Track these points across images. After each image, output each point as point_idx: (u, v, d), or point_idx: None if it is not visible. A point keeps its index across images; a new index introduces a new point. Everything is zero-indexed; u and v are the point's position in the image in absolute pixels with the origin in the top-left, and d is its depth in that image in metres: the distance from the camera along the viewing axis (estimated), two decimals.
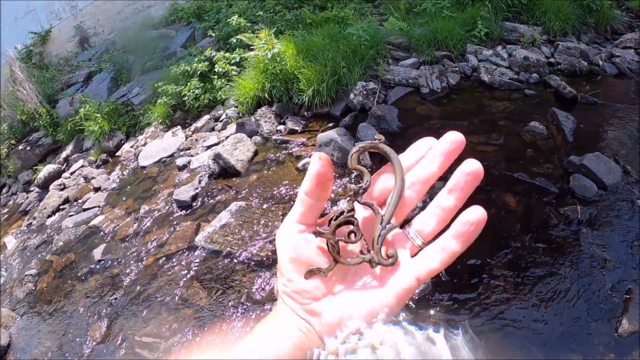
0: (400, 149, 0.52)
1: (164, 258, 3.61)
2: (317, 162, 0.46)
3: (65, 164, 6.51)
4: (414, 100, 4.39)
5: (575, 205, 3.03)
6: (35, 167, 6.87)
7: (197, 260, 3.41)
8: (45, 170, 6.35)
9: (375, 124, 3.99)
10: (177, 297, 3.19)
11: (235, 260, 3.24)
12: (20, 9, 9.08)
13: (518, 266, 2.69)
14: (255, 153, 4.28)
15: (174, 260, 3.54)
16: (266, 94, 4.71)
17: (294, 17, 5.57)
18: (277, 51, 4.36)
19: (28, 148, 7.20)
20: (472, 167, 0.45)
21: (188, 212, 3.97)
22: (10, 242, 5.42)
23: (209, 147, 4.68)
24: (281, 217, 3.44)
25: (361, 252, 0.48)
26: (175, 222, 3.92)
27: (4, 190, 7.32)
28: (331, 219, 0.47)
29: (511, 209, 3.14)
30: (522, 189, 3.26)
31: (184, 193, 4.02)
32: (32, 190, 6.57)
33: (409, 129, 4.06)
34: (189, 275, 3.32)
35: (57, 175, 6.28)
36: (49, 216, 5.42)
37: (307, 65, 4.38)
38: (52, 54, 8.73)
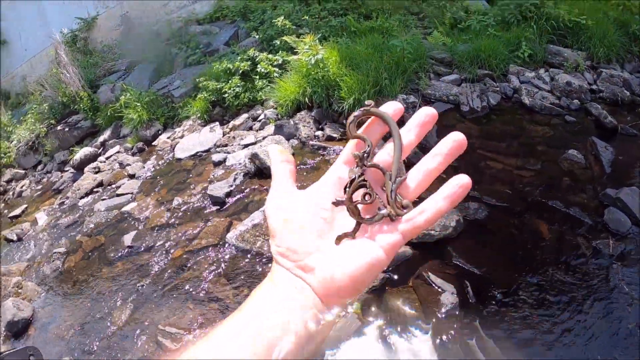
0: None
1: (193, 251, 3.67)
2: (274, 146, 0.59)
3: (101, 148, 6.66)
4: (454, 117, 4.38)
5: (607, 239, 3.00)
6: (72, 148, 7.04)
7: (227, 257, 3.46)
8: (82, 152, 6.52)
9: None
10: (203, 292, 3.24)
11: (264, 261, 3.28)
12: None
13: (545, 294, 2.68)
14: (292, 156, 4.29)
15: (203, 254, 3.60)
16: (306, 99, 4.75)
17: (338, 24, 5.59)
18: (321, 57, 4.40)
19: (67, 129, 7.37)
20: (458, 136, 0.51)
21: (221, 208, 4.03)
22: (42, 218, 5.54)
23: (245, 146, 4.74)
24: None
25: (379, 209, 0.52)
26: (207, 217, 3.98)
27: (39, 168, 7.52)
28: (346, 187, 0.52)
29: (543, 237, 3.12)
30: (556, 218, 3.25)
31: (219, 189, 4.09)
32: (67, 171, 6.72)
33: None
34: (217, 271, 3.37)
35: (93, 158, 6.43)
36: (82, 197, 5.53)
37: (349, 74, 4.41)
38: (96, 40, 8.93)
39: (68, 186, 6.19)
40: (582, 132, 4.21)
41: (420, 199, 0.51)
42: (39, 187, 6.92)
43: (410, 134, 0.54)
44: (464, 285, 2.77)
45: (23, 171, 7.65)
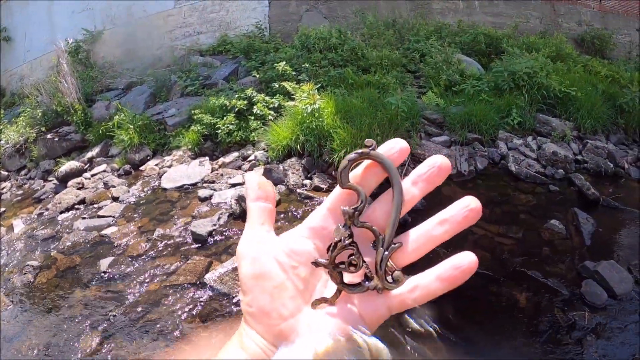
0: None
1: (170, 287, 3.61)
2: (254, 176, 0.50)
3: (88, 164, 6.55)
4: None
5: (583, 311, 3.05)
6: (58, 159, 6.92)
7: (204, 297, 3.41)
8: (68, 165, 6.41)
9: None
10: (177, 330, 3.18)
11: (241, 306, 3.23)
12: (79, 5, 9.43)
13: None
14: (278, 202, 4.32)
15: (180, 291, 3.54)
16: (298, 146, 4.78)
17: (337, 74, 5.70)
18: (317, 107, 4.47)
19: (56, 139, 7.26)
20: (474, 204, 0.45)
21: (202, 246, 3.99)
22: (18, 225, 5.37)
23: (233, 186, 4.73)
24: None
25: (365, 277, 0.46)
26: (187, 254, 3.93)
27: (23, 172, 7.37)
28: (329, 248, 0.46)
29: (520, 306, 3.17)
30: (534, 287, 3.30)
31: (202, 227, 4.06)
32: (50, 181, 6.59)
33: (432, 208, 4.10)
34: (192, 311, 3.32)
35: (78, 173, 6.30)
36: (62, 212, 5.40)
37: (343, 127, 4.48)
38: (99, 54, 8.96)
39: (49, 197, 6.06)
40: (565, 202, 4.31)
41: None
42: (20, 192, 6.78)
43: (413, 188, 0.47)
44: (438, 349, 2.78)
45: (6, 173, 7.51)
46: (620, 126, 5.89)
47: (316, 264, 0.46)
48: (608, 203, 4.32)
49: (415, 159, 4.60)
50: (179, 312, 3.32)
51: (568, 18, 9.39)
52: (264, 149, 5.18)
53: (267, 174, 4.61)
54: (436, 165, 0.46)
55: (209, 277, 3.51)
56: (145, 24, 8.75)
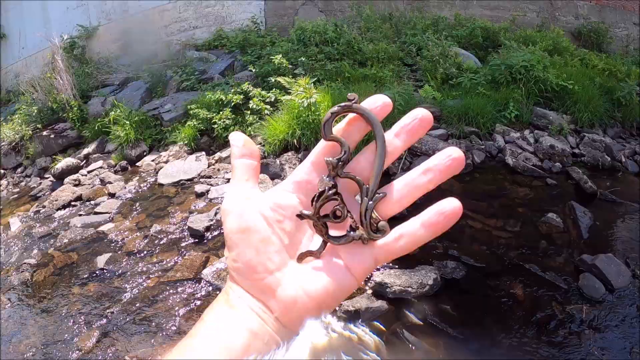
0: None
1: (167, 283, 3.60)
2: (238, 135, 0.51)
3: (84, 161, 6.54)
4: None
5: (581, 305, 3.06)
6: (54, 156, 6.90)
7: (201, 293, 3.41)
8: (64, 162, 6.39)
9: None
10: (175, 327, 3.18)
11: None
12: (73, 1, 9.35)
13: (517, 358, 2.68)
14: None
15: (177, 287, 3.54)
16: (295, 140, 4.77)
17: (334, 68, 5.68)
18: (314, 101, 4.45)
19: (52, 136, 7.24)
20: (456, 153, 0.44)
21: (199, 242, 3.99)
22: (15, 223, 5.35)
23: (229, 180, 4.68)
24: None
25: (350, 227, 0.46)
26: (184, 250, 3.93)
27: (19, 170, 7.35)
28: (313, 199, 0.45)
29: (518, 299, 3.16)
30: (531, 281, 3.29)
31: (199, 222, 4.05)
32: (47, 178, 6.58)
33: (429, 201, 4.11)
34: (190, 307, 3.31)
35: (74, 170, 6.30)
36: (59, 209, 5.39)
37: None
38: (94, 50, 8.91)
39: (46, 195, 6.05)
40: (562, 195, 4.31)
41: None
42: (16, 190, 6.76)
43: (396, 140, 0.47)
44: (437, 344, 2.78)
45: (2, 171, 7.49)
46: (617, 119, 5.88)
47: (301, 216, 0.45)
48: (605, 196, 4.32)
49: (412, 153, 4.60)
50: (177, 308, 3.31)
51: (565, 11, 9.37)
52: (260, 144, 5.14)
53: (264, 168, 4.60)
54: (418, 117, 0.47)
55: (206, 272, 3.51)
56: (141, 19, 8.71)
